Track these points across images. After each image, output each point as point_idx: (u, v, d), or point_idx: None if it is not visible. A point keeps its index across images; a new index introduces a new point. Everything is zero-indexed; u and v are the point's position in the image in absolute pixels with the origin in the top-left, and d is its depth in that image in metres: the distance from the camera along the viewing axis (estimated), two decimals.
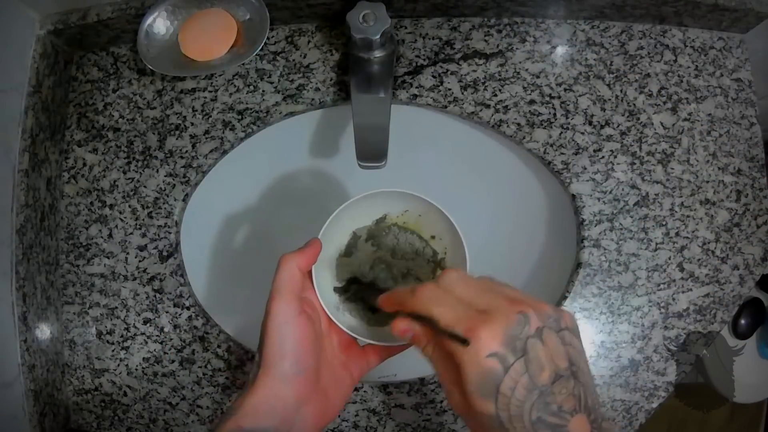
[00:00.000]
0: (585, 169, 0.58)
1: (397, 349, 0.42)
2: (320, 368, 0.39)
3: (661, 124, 0.59)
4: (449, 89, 0.59)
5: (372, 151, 0.51)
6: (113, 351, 0.59)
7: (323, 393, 0.38)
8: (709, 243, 0.58)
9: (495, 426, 0.30)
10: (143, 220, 0.60)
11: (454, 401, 0.32)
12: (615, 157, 0.58)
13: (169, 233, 0.60)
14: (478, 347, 0.30)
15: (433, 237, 0.46)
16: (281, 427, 0.35)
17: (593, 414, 0.31)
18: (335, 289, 0.45)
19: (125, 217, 0.60)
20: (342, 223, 0.44)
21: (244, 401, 0.35)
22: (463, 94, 0.59)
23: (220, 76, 0.61)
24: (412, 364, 0.59)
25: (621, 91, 0.59)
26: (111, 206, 0.60)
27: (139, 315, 0.59)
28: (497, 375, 0.30)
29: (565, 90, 0.59)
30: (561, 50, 0.60)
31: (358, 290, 0.45)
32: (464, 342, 0.30)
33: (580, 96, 0.59)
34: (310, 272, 0.40)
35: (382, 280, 0.47)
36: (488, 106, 0.59)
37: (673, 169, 0.58)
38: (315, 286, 0.40)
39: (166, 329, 0.59)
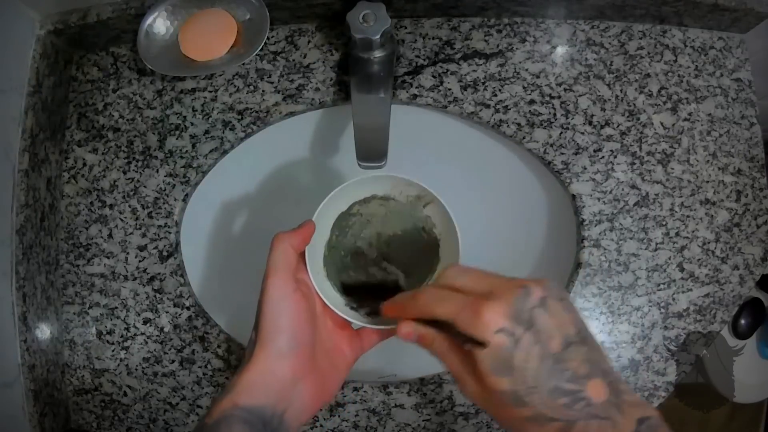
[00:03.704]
0: (585, 169, 0.58)
1: (391, 332, 0.42)
2: (315, 348, 0.39)
3: (661, 124, 0.59)
4: (449, 89, 0.59)
5: (372, 151, 0.51)
6: (113, 351, 0.59)
7: (319, 372, 0.39)
8: (709, 243, 0.58)
9: (513, 402, 0.31)
10: (143, 220, 0.60)
11: (469, 390, 0.33)
12: (615, 157, 0.58)
13: (169, 233, 0.60)
14: (484, 327, 0.30)
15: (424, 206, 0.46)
16: (278, 405, 0.35)
17: (609, 377, 0.31)
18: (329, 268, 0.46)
19: (125, 217, 0.60)
20: (332, 212, 0.44)
21: (240, 378, 0.35)
22: (463, 94, 0.59)
23: (220, 76, 0.61)
24: (412, 364, 0.59)
25: (621, 91, 0.59)
26: (111, 206, 0.60)
27: (139, 315, 0.59)
28: (509, 349, 0.30)
29: (565, 90, 0.59)
30: (561, 50, 0.60)
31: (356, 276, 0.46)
32: (481, 345, 0.30)
33: (580, 96, 0.59)
34: (302, 255, 0.40)
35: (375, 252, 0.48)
36: (488, 106, 0.59)
37: (673, 169, 0.58)
38: (308, 269, 0.40)
39: (166, 329, 0.59)
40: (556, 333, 0.31)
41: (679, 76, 0.60)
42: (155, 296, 0.59)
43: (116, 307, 0.59)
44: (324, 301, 0.40)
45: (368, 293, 0.46)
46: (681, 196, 0.58)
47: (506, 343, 0.30)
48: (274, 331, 0.36)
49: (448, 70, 0.59)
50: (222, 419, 0.34)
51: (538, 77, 0.59)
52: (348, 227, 0.48)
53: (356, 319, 0.41)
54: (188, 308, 0.59)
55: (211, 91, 0.61)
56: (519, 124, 0.59)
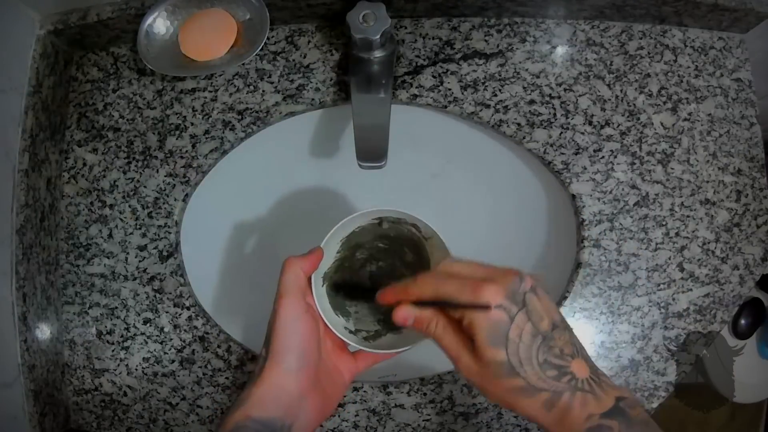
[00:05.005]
0: (585, 169, 0.58)
1: (383, 356, 0.45)
2: (319, 367, 0.41)
3: (661, 124, 0.59)
4: (449, 89, 0.59)
5: (372, 151, 0.51)
6: (113, 351, 0.59)
7: (322, 390, 0.41)
8: (709, 243, 0.58)
9: (506, 373, 0.34)
10: (143, 220, 0.60)
11: (464, 365, 0.35)
12: (615, 157, 0.58)
13: (169, 233, 0.60)
14: (485, 303, 0.33)
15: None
16: (286, 418, 0.37)
17: (589, 361, 0.35)
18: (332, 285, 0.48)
19: (125, 217, 0.60)
20: (335, 239, 0.46)
21: (252, 392, 0.38)
22: (463, 94, 0.59)
23: (220, 76, 0.61)
24: (412, 364, 0.59)
25: (621, 91, 0.59)
26: (111, 206, 0.60)
27: (139, 315, 0.59)
28: (505, 323, 0.34)
29: (565, 90, 0.59)
30: (561, 50, 0.60)
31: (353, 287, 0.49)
32: (485, 308, 0.33)
33: (580, 96, 0.59)
34: (308, 279, 0.42)
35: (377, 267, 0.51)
36: (488, 106, 0.59)
37: (673, 169, 0.58)
38: (313, 292, 0.42)
39: (166, 329, 0.59)
40: (545, 315, 0.34)
41: (679, 76, 0.60)
42: (155, 296, 0.59)
43: (116, 307, 0.59)
44: (326, 324, 0.42)
45: (365, 312, 0.49)
46: (681, 196, 0.58)
47: (503, 317, 0.33)
48: (285, 350, 0.39)
49: (448, 70, 0.59)
50: (235, 430, 0.36)
51: (538, 77, 0.59)
52: (348, 252, 0.50)
53: (354, 342, 0.43)
54: (188, 308, 0.59)
55: (211, 91, 0.61)
56: (519, 124, 0.59)
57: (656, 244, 0.57)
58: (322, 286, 0.46)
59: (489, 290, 0.34)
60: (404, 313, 0.38)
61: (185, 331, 0.59)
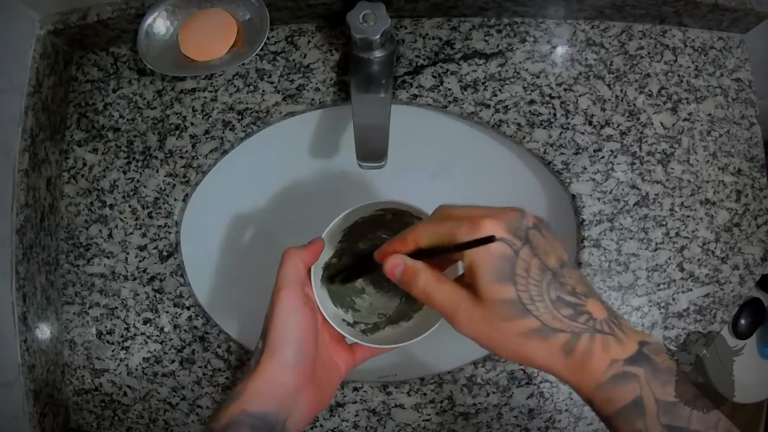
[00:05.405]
0: (585, 169, 0.58)
1: (380, 350, 0.44)
2: (315, 360, 0.40)
3: (661, 124, 0.59)
4: (449, 89, 0.59)
5: (372, 151, 0.51)
6: (113, 351, 0.59)
7: (317, 383, 0.40)
8: (709, 243, 0.58)
9: (517, 313, 0.30)
10: (143, 220, 0.60)
11: (464, 316, 0.32)
12: (615, 157, 0.58)
13: (169, 233, 0.60)
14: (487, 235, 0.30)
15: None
16: (281, 412, 0.37)
17: (605, 303, 0.32)
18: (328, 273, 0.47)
19: (125, 217, 0.60)
20: (336, 230, 0.45)
21: (247, 385, 0.37)
22: (463, 94, 0.59)
23: (220, 76, 0.61)
24: (412, 364, 0.59)
25: (621, 91, 0.59)
26: (111, 206, 0.60)
27: (139, 315, 0.59)
28: (510, 257, 0.30)
29: (565, 90, 0.59)
30: (561, 50, 0.60)
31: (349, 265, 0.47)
32: (489, 240, 0.29)
33: (580, 96, 0.59)
34: (308, 270, 0.41)
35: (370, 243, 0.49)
36: (488, 106, 0.59)
37: (673, 169, 0.58)
38: (312, 284, 0.41)
39: (166, 329, 0.59)
40: (551, 252, 0.31)
41: (679, 76, 0.60)
42: (155, 296, 0.59)
43: (116, 307, 0.59)
44: (324, 316, 0.41)
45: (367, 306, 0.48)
46: (681, 196, 0.58)
47: (508, 251, 0.30)
48: (282, 343, 0.38)
49: (448, 70, 0.59)
50: (231, 424, 0.35)
51: (538, 77, 0.59)
52: (349, 244, 0.49)
53: (352, 335, 0.42)
54: (188, 308, 0.59)
55: (211, 91, 0.61)
56: (519, 124, 0.59)
57: (656, 244, 0.57)
58: (322, 277, 0.46)
59: (488, 224, 0.30)
60: (393, 262, 0.35)
61: (185, 331, 0.59)
